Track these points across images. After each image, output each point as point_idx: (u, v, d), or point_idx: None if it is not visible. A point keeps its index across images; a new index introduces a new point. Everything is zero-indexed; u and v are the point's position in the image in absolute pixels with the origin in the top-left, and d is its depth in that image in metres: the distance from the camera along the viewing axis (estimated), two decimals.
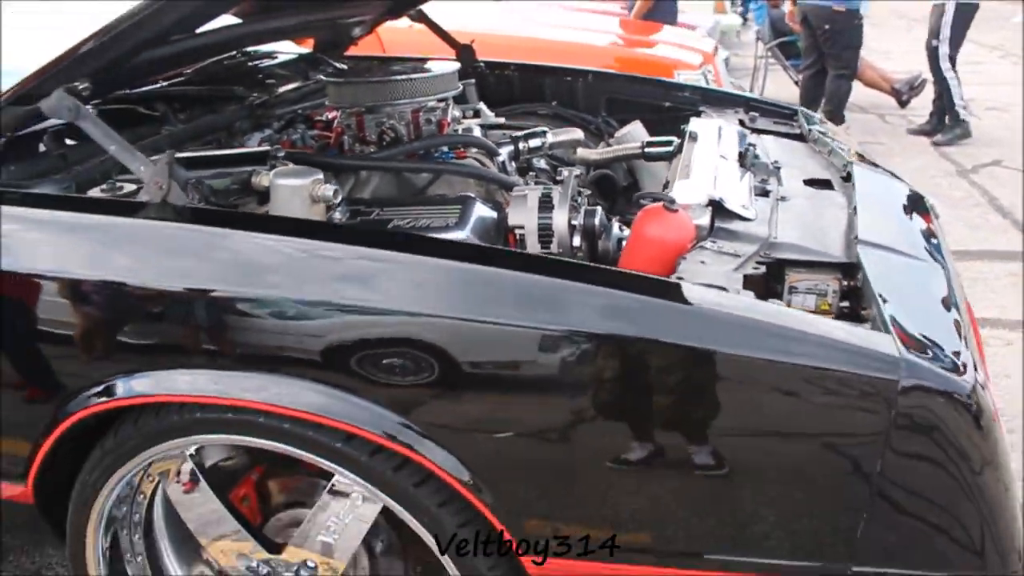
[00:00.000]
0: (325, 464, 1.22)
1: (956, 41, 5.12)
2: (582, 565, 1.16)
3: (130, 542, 1.45)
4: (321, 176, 1.43)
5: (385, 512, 1.27)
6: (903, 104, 5.97)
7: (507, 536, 1.17)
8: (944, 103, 5.31)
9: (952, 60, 5.07)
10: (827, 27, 5.12)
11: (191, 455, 1.31)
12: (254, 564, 1.38)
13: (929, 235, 1.59)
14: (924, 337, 1.14)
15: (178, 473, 1.36)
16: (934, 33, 5.18)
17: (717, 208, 1.49)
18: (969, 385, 1.07)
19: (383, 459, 1.18)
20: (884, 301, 1.18)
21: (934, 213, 1.77)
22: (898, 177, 1.89)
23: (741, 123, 2.17)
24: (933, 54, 5.14)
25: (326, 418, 1.16)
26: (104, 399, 1.22)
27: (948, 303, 1.31)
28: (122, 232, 1.24)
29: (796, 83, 5.84)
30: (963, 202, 4.32)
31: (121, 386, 1.21)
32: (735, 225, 1.47)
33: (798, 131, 2.19)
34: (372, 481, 1.21)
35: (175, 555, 1.51)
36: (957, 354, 1.12)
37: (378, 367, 1.14)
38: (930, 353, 1.10)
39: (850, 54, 5.29)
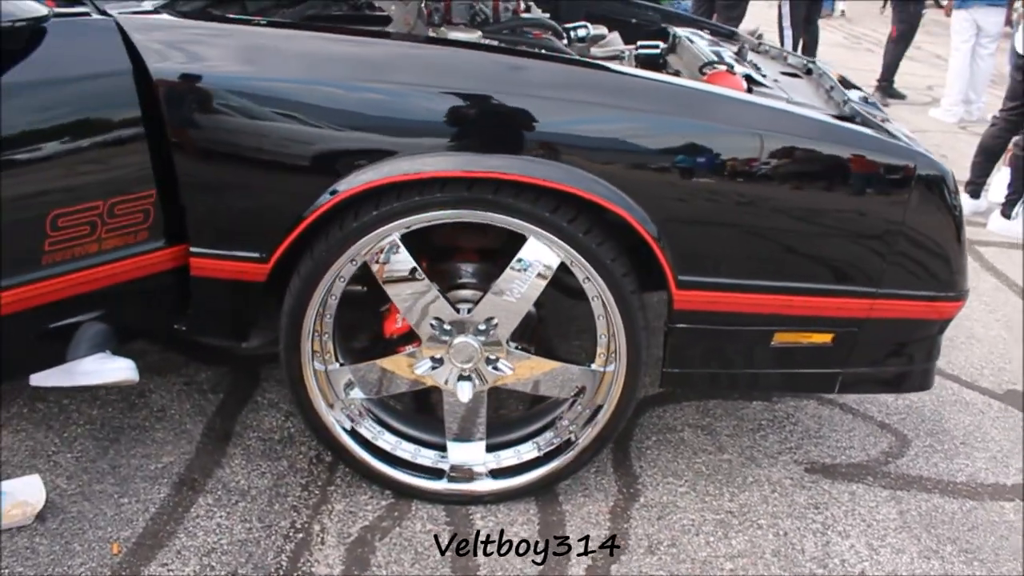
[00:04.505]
0: (525, 227, 1.67)
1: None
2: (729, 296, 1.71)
3: (323, 321, 1.82)
4: None
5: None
6: None
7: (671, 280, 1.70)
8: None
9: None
10: None
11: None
12: (447, 326, 1.81)
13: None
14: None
15: (376, 260, 1.76)
16: None
17: (749, 79, 2.08)
18: (950, 171, 1.73)
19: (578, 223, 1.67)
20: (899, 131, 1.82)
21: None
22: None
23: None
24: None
25: (545, 181, 1.61)
26: (371, 178, 1.61)
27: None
28: (383, 50, 1.65)
29: None
30: None
31: (381, 168, 1.61)
32: (762, 90, 2.07)
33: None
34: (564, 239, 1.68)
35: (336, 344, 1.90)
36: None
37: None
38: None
39: None
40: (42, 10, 1.48)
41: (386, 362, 1.87)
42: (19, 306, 1.58)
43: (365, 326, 2.12)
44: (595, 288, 1.76)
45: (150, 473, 1.98)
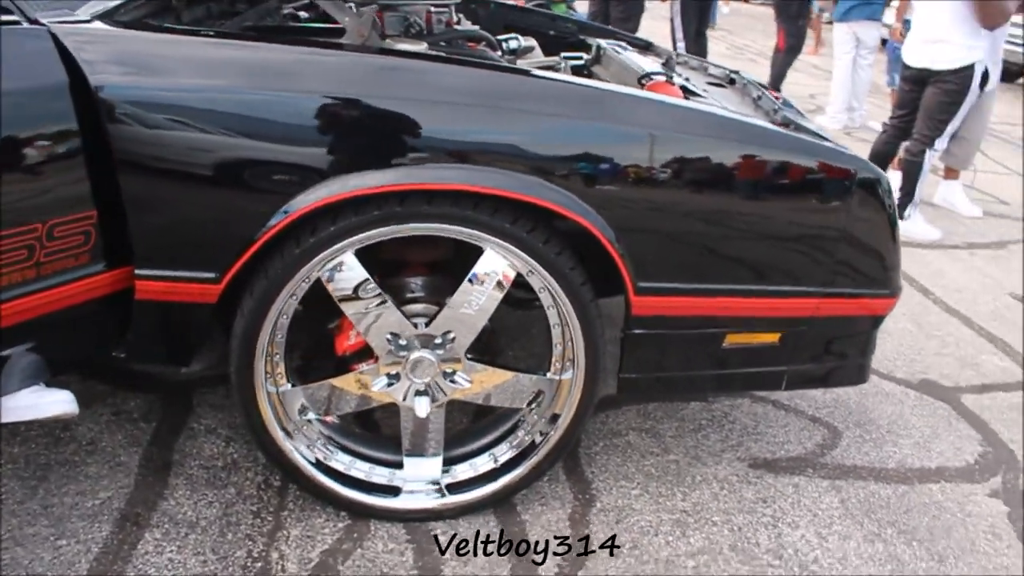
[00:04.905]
0: (484, 238, 1.66)
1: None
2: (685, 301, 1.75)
3: (274, 341, 1.75)
4: None
5: None
6: None
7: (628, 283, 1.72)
8: None
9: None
10: None
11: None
12: (404, 341, 1.78)
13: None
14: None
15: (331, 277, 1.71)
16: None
17: (684, 89, 2.15)
18: (885, 174, 1.83)
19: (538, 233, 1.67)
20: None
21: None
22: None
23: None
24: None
25: (506, 192, 1.60)
26: (327, 194, 1.56)
27: None
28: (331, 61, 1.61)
29: None
30: None
31: (336, 184, 1.57)
32: (699, 100, 2.14)
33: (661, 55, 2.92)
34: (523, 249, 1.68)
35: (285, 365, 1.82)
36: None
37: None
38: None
39: None
40: None
41: (340, 381, 1.83)
42: None
43: (306, 344, 2.05)
44: (551, 297, 1.77)
45: (87, 511, 1.86)
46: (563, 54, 2.64)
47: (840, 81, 6.18)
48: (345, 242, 1.63)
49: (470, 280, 1.73)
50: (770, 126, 1.82)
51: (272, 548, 1.81)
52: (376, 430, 2.19)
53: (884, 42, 6.69)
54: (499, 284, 1.74)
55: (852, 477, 2.23)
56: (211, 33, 1.63)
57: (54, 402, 1.68)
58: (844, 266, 1.83)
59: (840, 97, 6.25)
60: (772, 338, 1.88)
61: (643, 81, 2.08)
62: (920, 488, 2.22)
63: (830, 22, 7.47)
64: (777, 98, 2.36)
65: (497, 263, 1.72)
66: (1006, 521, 2.12)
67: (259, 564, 1.76)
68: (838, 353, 1.98)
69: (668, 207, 1.71)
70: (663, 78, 2.06)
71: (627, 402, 2.44)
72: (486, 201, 1.64)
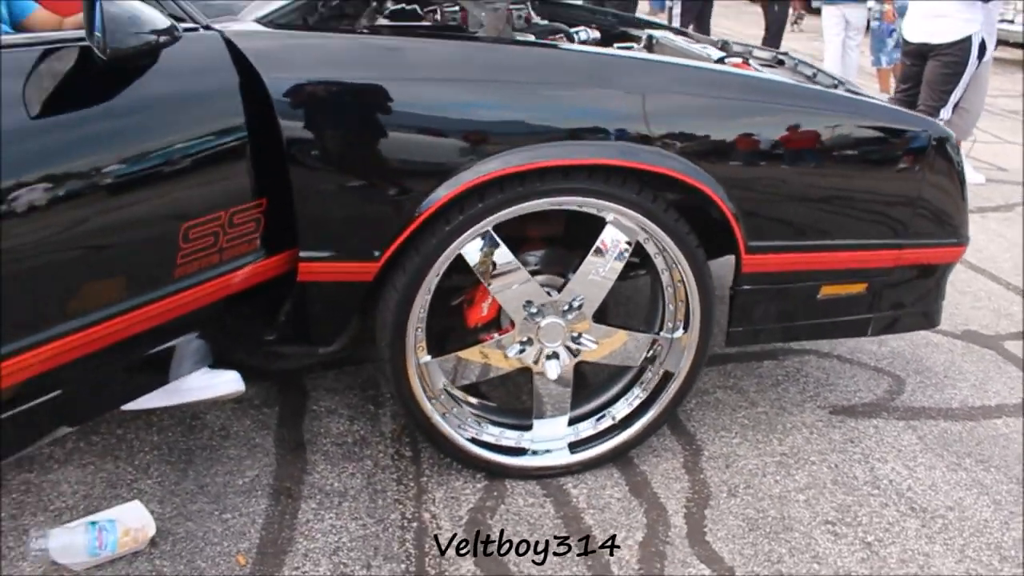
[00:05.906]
0: (614, 208, 1.82)
1: None
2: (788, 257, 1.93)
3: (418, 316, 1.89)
4: None
5: None
6: None
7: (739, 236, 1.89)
8: None
9: None
10: None
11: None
12: (534, 309, 1.93)
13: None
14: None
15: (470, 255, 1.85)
16: None
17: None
18: (952, 133, 2.03)
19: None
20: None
21: None
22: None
23: None
24: None
25: (636, 164, 1.77)
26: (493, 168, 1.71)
27: None
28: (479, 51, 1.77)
29: None
30: None
31: (491, 163, 1.72)
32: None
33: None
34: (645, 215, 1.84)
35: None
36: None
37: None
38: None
39: None
40: (166, 23, 1.51)
41: (466, 353, 1.97)
42: (146, 324, 1.59)
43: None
44: (667, 260, 1.93)
45: (240, 488, 1.99)
46: (615, 45, 2.81)
47: (831, 62, 6.41)
48: (490, 219, 1.78)
49: (596, 251, 1.89)
50: (856, 96, 2.00)
51: (422, 510, 1.95)
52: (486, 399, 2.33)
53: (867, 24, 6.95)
54: (620, 253, 1.90)
55: (923, 417, 2.42)
56: (365, 31, 1.77)
57: (225, 382, 1.81)
58: (921, 219, 2.02)
59: None
60: (860, 288, 2.07)
61: (726, 60, 2.25)
62: (985, 423, 2.41)
63: (817, 10, 7.73)
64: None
65: (618, 233, 1.88)
66: None
67: (415, 524, 1.90)
68: (914, 300, 2.18)
69: (773, 174, 1.89)
70: (739, 59, 2.23)
71: (708, 364, 2.60)
72: (614, 174, 1.80)
